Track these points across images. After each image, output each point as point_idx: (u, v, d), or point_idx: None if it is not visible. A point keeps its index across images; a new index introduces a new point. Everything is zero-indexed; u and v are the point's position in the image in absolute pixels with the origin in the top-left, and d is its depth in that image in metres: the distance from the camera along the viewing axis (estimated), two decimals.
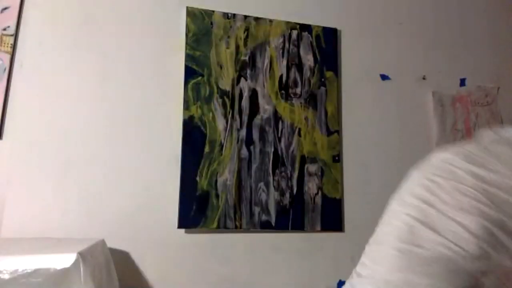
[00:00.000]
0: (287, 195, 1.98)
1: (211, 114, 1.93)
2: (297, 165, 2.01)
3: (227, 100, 1.97)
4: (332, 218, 2.04)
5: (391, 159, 2.19)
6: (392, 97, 2.24)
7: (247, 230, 1.92)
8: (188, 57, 1.94)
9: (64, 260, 1.33)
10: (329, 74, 2.13)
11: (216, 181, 1.89)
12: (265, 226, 1.94)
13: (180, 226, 1.82)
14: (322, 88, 2.11)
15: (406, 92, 2.26)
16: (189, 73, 1.93)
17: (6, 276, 1.29)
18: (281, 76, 2.06)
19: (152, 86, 1.91)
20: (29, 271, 1.31)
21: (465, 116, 2.32)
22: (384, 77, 2.24)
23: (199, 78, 1.94)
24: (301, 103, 2.07)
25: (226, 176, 1.91)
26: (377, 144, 2.18)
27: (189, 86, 1.92)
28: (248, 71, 2.02)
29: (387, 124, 2.21)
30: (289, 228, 1.97)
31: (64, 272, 1.33)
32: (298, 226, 1.98)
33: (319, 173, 2.04)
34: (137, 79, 1.90)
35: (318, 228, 2.01)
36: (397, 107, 2.24)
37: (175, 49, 1.96)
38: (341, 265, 2.04)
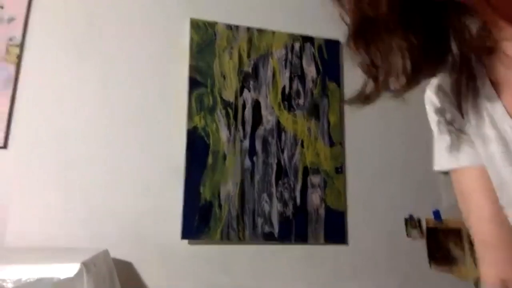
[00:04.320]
0: (290, 206, 1.97)
1: (214, 125, 1.93)
2: (300, 176, 2.01)
3: (230, 110, 1.97)
4: (335, 230, 2.03)
5: (396, 171, 2.18)
6: (396, 107, 2.23)
7: (250, 242, 1.91)
8: (192, 68, 1.96)
9: (67, 270, 1.32)
10: (331, 85, 2.14)
11: (219, 191, 1.88)
12: (268, 237, 1.92)
13: (184, 237, 1.81)
14: (325, 98, 2.12)
15: (411, 102, 2.25)
16: (193, 84, 1.94)
17: (10, 286, 1.28)
18: (283, 87, 2.07)
19: (155, 97, 1.92)
20: (32, 280, 1.29)
21: None
22: None
23: (203, 89, 1.95)
24: (303, 114, 2.07)
25: (229, 187, 1.90)
26: (381, 155, 2.18)
27: (193, 96, 1.93)
28: (251, 82, 2.03)
29: (391, 135, 2.21)
30: (292, 240, 1.96)
31: (68, 282, 1.32)
32: (301, 237, 1.97)
33: (322, 184, 2.03)
34: (141, 90, 1.91)
35: (322, 240, 2.00)
36: (402, 117, 2.24)
37: (179, 60, 1.97)
38: (344, 278, 2.02)
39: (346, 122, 2.14)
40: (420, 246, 2.16)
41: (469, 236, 2.15)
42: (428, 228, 2.18)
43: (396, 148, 2.20)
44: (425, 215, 2.20)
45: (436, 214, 2.21)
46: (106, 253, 1.64)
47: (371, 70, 0.61)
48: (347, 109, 2.15)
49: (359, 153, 2.14)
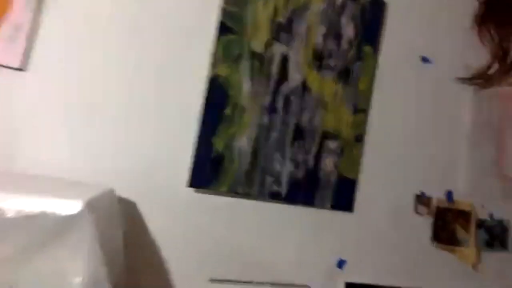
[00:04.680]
0: (302, 168, 1.95)
1: (238, 76, 1.86)
2: (317, 140, 1.96)
3: (257, 62, 1.88)
4: (344, 197, 2.01)
5: (416, 146, 2.11)
6: (430, 82, 2.12)
7: (257, 198, 1.91)
8: (224, 12, 1.84)
9: (70, 206, 1.33)
10: (367, 48, 2.02)
11: (232, 145, 1.86)
12: (275, 197, 1.92)
13: (191, 185, 1.81)
14: (358, 62, 2.01)
15: (445, 79, 2.14)
16: (223, 30, 1.84)
17: (11, 215, 1.30)
18: (317, 45, 1.96)
19: (182, 38, 1.83)
20: (34, 213, 1.31)
21: (503, 111, 2.20)
22: (425, 60, 2.11)
23: (232, 36, 1.86)
24: (333, 76, 1.98)
25: (244, 142, 1.87)
26: (405, 130, 2.10)
27: (221, 43, 1.84)
28: (284, 35, 1.92)
29: (419, 110, 2.11)
30: (299, 202, 1.95)
31: (69, 219, 1.33)
32: (309, 201, 1.96)
33: (339, 151, 1.99)
34: (169, 29, 1.82)
35: (328, 206, 1.99)
36: (434, 94, 2.13)
37: (211, 2, 1.86)
38: (346, 245, 2.04)
39: (375, 90, 2.05)
40: (426, 223, 2.15)
41: (477, 220, 2.13)
42: (437, 208, 2.15)
43: (422, 125, 2.12)
44: (437, 195, 2.16)
45: (449, 195, 2.16)
46: (111, 192, 1.65)
47: (499, 51, 0.57)
48: (379, 77, 2.05)
49: (382, 124, 2.06)
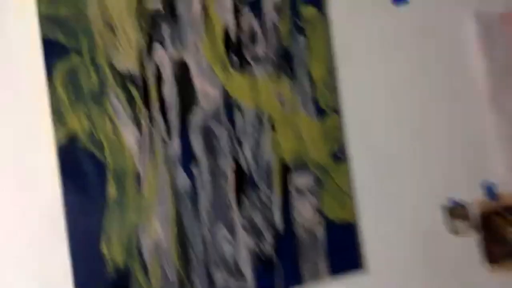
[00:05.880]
0: (268, 235, 1.16)
1: (108, 123, 1.04)
2: (276, 181, 1.18)
3: (133, 89, 1.07)
4: (345, 252, 1.25)
5: (424, 136, 1.38)
6: (414, 30, 1.39)
7: None
8: (45, 20, 1.02)
9: None
10: (309, 11, 1.24)
11: (139, 244, 1.04)
12: None
13: None
14: (300, 38, 1.23)
15: (434, 20, 1.41)
16: (53, 51, 1.01)
17: None
18: (226, 30, 1.17)
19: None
20: None
21: None
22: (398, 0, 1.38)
23: (74, 56, 1.03)
24: (267, 71, 1.20)
25: (156, 231, 1.06)
26: (399, 118, 1.36)
27: (57, 76, 1.01)
28: (166, 30, 1.11)
29: (410, 81, 1.38)
30: (279, 286, 1.17)
31: None
32: (293, 280, 1.19)
33: (315, 186, 1.22)
34: None
35: (325, 273, 1.22)
36: (423, 49, 1.41)
37: (19, 9, 1.03)
38: None
39: (341, 72, 1.28)
40: (470, 243, 1.42)
41: None
42: (480, 214, 1.44)
43: (420, 102, 1.39)
44: (472, 195, 1.43)
45: (489, 190, 1.45)
46: None
47: None
48: (340, 48, 1.28)
49: (367, 122, 1.31)
